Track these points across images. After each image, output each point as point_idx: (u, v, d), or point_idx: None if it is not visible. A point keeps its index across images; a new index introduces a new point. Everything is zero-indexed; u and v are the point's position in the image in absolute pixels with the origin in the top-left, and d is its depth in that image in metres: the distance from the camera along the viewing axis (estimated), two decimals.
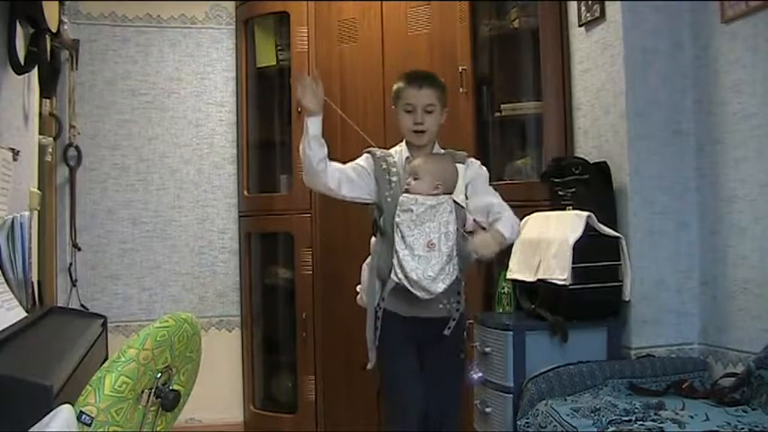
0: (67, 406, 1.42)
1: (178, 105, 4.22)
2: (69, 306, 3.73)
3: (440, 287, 2.34)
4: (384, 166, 2.51)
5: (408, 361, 2.48)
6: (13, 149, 2.34)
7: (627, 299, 2.76)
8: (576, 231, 2.66)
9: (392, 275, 2.38)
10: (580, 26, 3.09)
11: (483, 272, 3.24)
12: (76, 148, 3.96)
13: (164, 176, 4.19)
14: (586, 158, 2.93)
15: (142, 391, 1.61)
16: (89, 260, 4.04)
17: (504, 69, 3.53)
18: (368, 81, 3.80)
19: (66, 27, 3.59)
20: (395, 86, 2.59)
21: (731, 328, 2.62)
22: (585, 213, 2.70)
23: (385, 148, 2.62)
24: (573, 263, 2.63)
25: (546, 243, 2.76)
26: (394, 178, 2.50)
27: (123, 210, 4.13)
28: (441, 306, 2.45)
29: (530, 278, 2.80)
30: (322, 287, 3.91)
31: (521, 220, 2.91)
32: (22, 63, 2.50)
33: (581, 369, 2.56)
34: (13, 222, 2.17)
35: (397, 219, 2.39)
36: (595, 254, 2.69)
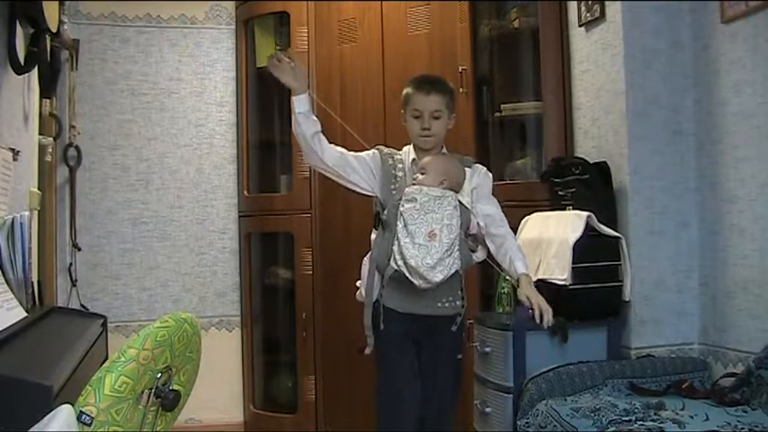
0: (67, 406, 1.42)
1: (178, 105, 4.22)
2: (69, 306, 3.74)
3: (437, 277, 2.35)
4: (390, 162, 2.55)
5: (406, 360, 2.47)
6: (13, 149, 2.34)
7: (627, 299, 2.76)
8: (576, 231, 2.66)
9: (391, 262, 2.40)
10: (580, 26, 3.09)
11: (482, 272, 3.24)
12: (76, 148, 3.96)
13: (164, 176, 4.19)
14: (586, 158, 2.93)
15: (142, 391, 1.61)
16: (89, 260, 4.04)
17: (504, 69, 3.53)
18: (368, 81, 3.80)
19: (66, 27, 3.59)
20: (404, 91, 2.62)
21: (731, 328, 2.62)
22: (585, 213, 2.70)
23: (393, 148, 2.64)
24: (573, 263, 2.64)
25: (546, 243, 2.76)
26: (399, 173, 2.53)
27: (123, 210, 4.13)
28: (439, 304, 2.46)
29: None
30: (322, 287, 3.91)
31: (521, 220, 2.93)
32: (22, 63, 2.50)
33: (581, 369, 2.56)
34: (13, 222, 2.17)
35: (401, 208, 2.42)
36: (595, 254, 2.69)
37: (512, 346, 2.63)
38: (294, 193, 3.99)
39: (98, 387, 1.51)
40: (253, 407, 4.12)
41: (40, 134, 3.14)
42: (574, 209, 2.81)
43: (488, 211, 2.55)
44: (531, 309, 2.44)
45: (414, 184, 2.49)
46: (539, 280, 2.74)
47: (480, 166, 2.66)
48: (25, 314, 2.00)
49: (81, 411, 1.47)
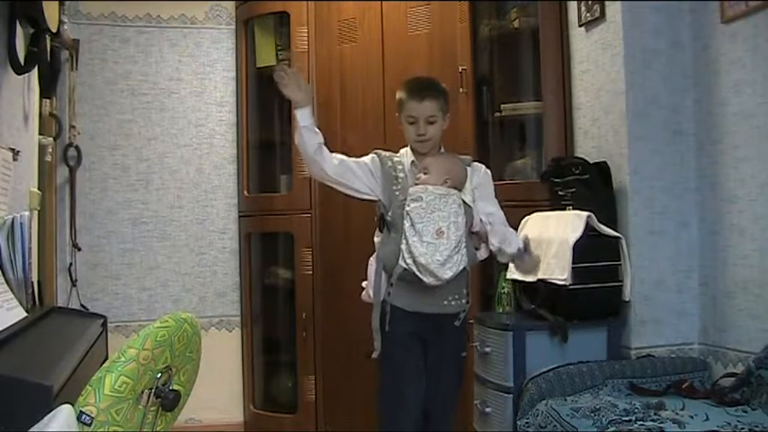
0: (67, 406, 1.42)
1: (178, 105, 4.22)
2: (69, 306, 3.73)
3: (447, 273, 2.37)
4: (390, 164, 2.57)
5: (411, 359, 2.49)
6: (13, 149, 2.34)
7: (627, 299, 2.76)
8: (577, 231, 2.66)
9: (400, 261, 2.41)
10: (580, 26, 3.09)
11: (482, 272, 3.24)
12: (76, 148, 3.96)
13: (164, 176, 4.19)
14: (586, 158, 2.93)
15: (142, 392, 1.61)
16: (89, 260, 4.04)
17: (504, 69, 3.53)
18: (368, 81, 3.80)
19: (66, 27, 3.59)
20: (397, 95, 2.62)
21: (731, 328, 2.62)
22: (585, 213, 2.70)
23: (390, 150, 2.65)
24: (573, 263, 2.63)
25: (546, 243, 2.76)
26: (401, 174, 2.55)
27: (123, 210, 4.13)
28: (445, 302, 2.47)
29: (530, 278, 2.80)
30: (322, 287, 3.91)
31: (521, 220, 2.93)
32: (22, 63, 2.50)
33: (581, 369, 2.56)
34: (13, 222, 2.17)
35: (407, 208, 2.43)
36: (595, 254, 2.69)
37: (512, 346, 2.63)
38: (294, 193, 3.99)
39: (98, 387, 1.51)
40: (253, 407, 4.12)
41: (40, 134, 3.14)
42: (574, 209, 2.81)
43: (490, 210, 2.59)
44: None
45: (417, 184, 2.50)
46: (539, 280, 2.75)
47: (480, 164, 2.68)
48: (25, 314, 2.00)
49: (81, 411, 1.47)
